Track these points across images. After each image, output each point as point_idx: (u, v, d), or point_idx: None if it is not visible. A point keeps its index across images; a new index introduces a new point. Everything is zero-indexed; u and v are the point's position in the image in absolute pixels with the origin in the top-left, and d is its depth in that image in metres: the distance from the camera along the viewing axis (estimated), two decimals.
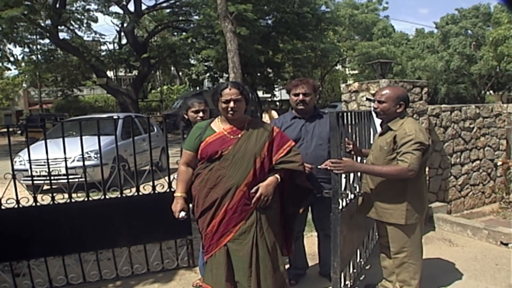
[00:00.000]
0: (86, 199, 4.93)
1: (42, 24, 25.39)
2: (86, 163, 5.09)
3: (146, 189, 5.12)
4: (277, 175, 3.68)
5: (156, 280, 5.05)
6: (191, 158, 3.76)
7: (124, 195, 5.08)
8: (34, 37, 28.01)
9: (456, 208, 7.55)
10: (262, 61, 25.35)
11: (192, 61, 30.71)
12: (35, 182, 4.95)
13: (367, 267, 5.06)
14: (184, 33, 27.55)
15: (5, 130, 5.20)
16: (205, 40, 25.39)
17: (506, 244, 5.70)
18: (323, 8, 30.83)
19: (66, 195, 4.87)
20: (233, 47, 14.33)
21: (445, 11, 76.26)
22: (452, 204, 7.46)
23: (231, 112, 3.61)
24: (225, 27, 14.48)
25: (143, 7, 27.86)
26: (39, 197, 4.80)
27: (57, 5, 24.32)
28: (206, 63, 28.63)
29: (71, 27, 28.02)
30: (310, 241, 5.64)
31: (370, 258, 5.19)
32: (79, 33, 28.49)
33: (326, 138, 4.28)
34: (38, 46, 29.90)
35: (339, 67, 45.66)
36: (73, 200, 4.86)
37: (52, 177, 5.05)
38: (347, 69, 48.33)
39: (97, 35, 30.35)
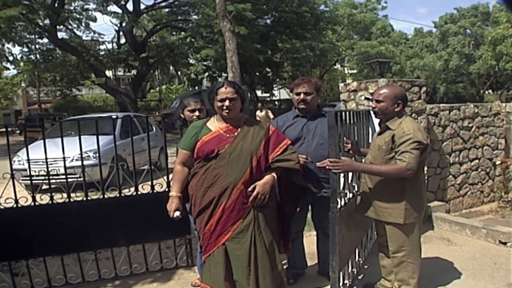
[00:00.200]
0: (84, 198, 4.93)
1: (41, 24, 25.38)
2: (85, 162, 5.08)
3: (145, 188, 5.11)
4: (273, 174, 3.69)
5: (155, 280, 5.05)
6: (187, 157, 3.77)
7: (122, 194, 5.08)
8: (33, 36, 27.96)
9: (455, 207, 7.56)
10: (262, 60, 25.36)
11: (191, 61, 30.72)
12: (33, 181, 4.95)
13: (365, 266, 5.06)
14: (183, 33, 27.55)
15: (3, 130, 5.20)
16: (204, 40, 25.41)
17: (505, 243, 5.70)
18: (322, 8, 30.82)
19: (65, 195, 4.88)
20: (231, 46, 14.33)
21: (443, 11, 76.41)
22: (450, 203, 7.47)
23: (226, 111, 3.62)
24: (223, 27, 14.48)
25: (142, 6, 27.90)
26: (37, 196, 4.80)
27: (56, 5, 24.32)
28: (204, 63, 28.65)
29: (70, 27, 28.04)
30: (309, 240, 5.64)
31: (368, 257, 5.19)
32: (78, 32, 28.57)
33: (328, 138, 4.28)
34: (37, 46, 29.87)
35: (338, 66, 45.65)
36: (71, 200, 4.86)
37: (50, 177, 5.05)
38: (346, 69, 48.31)
39: (96, 35, 30.37)
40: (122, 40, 30.65)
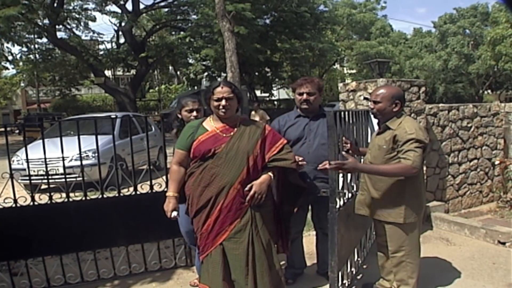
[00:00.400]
0: (83, 198, 4.93)
1: (40, 23, 25.37)
2: (84, 162, 5.08)
3: (144, 188, 5.12)
4: (270, 173, 3.70)
5: (154, 279, 5.05)
6: (183, 157, 3.76)
7: (121, 194, 5.08)
8: (32, 36, 27.98)
9: (454, 207, 7.56)
10: (261, 60, 25.36)
11: (190, 61, 30.73)
12: (32, 181, 4.94)
13: (364, 266, 5.06)
14: (182, 33, 27.55)
15: (3, 129, 5.19)
16: (203, 40, 25.41)
17: (504, 243, 5.70)
18: (321, 8, 30.82)
19: (64, 195, 4.87)
20: (231, 46, 14.34)
21: (442, 11, 76.43)
22: (449, 203, 7.47)
23: (223, 110, 3.62)
24: (223, 27, 14.49)
25: (141, 6, 27.88)
26: (36, 196, 4.79)
27: (55, 4, 24.31)
28: (204, 63, 28.66)
29: (69, 26, 28.04)
30: (308, 240, 5.64)
31: (367, 257, 5.19)
32: (77, 32, 28.60)
33: None
34: (36, 45, 29.88)
35: (337, 66, 45.68)
36: (70, 200, 4.86)
37: (49, 177, 5.05)
38: (345, 69, 48.34)
39: (95, 34, 30.38)
40: (121, 40, 30.65)
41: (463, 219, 6.61)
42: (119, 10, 27.74)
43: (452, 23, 39.32)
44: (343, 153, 3.95)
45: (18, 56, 30.43)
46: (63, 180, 4.93)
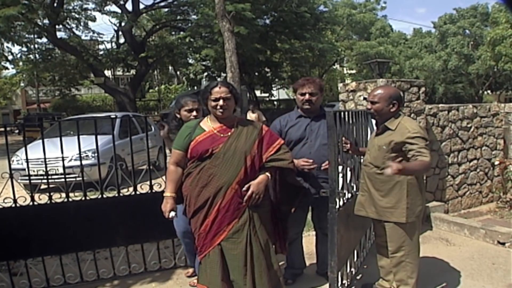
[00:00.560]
0: (83, 198, 4.93)
1: (40, 23, 25.32)
2: (84, 162, 5.07)
3: (143, 188, 5.12)
4: (267, 173, 3.71)
5: (154, 279, 5.06)
6: (180, 157, 3.77)
7: (121, 194, 5.08)
8: (32, 36, 27.95)
9: (453, 207, 7.57)
10: (261, 60, 25.35)
11: (190, 61, 30.69)
12: (32, 181, 4.94)
13: (364, 266, 5.06)
14: (182, 33, 27.48)
15: (2, 129, 5.20)
16: (203, 40, 25.37)
17: (503, 244, 5.71)
18: (321, 8, 30.79)
19: (64, 195, 4.87)
20: (231, 46, 14.33)
21: (442, 11, 76.42)
22: (449, 203, 7.47)
23: (220, 110, 3.63)
24: (223, 27, 14.48)
25: (141, 6, 27.82)
26: (36, 196, 4.80)
27: (55, 4, 24.28)
28: (204, 63, 28.62)
29: (69, 26, 28.01)
30: (308, 240, 5.64)
31: (367, 258, 5.20)
32: (77, 32, 28.54)
33: None
34: (36, 45, 29.84)
35: (337, 66, 45.65)
36: (70, 200, 4.86)
37: (49, 177, 5.05)
38: (345, 69, 48.33)
39: (95, 34, 30.33)
40: (121, 40, 30.60)
41: (462, 219, 6.61)
42: (119, 10, 27.72)
43: (452, 24, 39.30)
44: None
45: (18, 56, 30.45)
46: (63, 180, 4.93)
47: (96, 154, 5.64)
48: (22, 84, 47.58)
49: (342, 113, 4.19)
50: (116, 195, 5.06)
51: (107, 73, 34.28)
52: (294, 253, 4.78)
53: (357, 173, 4.61)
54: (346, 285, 4.34)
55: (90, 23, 28.56)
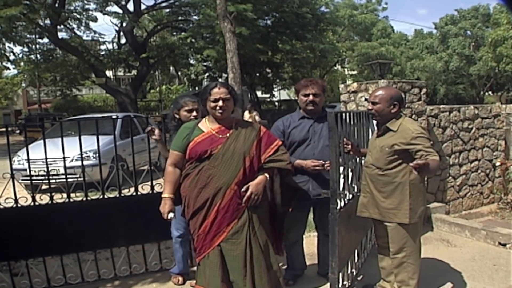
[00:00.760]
0: (84, 198, 4.94)
1: (41, 24, 25.35)
2: (85, 162, 5.07)
3: (144, 188, 5.12)
4: (266, 174, 3.72)
5: (155, 280, 5.06)
6: (178, 158, 3.78)
7: (122, 195, 5.08)
8: (33, 36, 27.95)
9: (455, 208, 7.56)
10: (262, 61, 25.34)
11: (191, 61, 30.69)
12: (33, 181, 4.95)
13: (365, 267, 5.06)
14: (183, 33, 27.47)
15: (4, 129, 5.20)
16: (205, 40, 25.36)
17: (504, 245, 5.70)
18: (322, 9, 30.77)
19: (65, 195, 4.88)
20: (232, 47, 14.34)
21: (443, 12, 76.44)
22: (450, 204, 7.47)
23: (220, 111, 3.64)
24: (224, 27, 14.49)
25: (143, 6, 27.82)
26: (37, 196, 4.80)
27: (56, 5, 24.29)
28: (205, 63, 28.61)
29: (70, 27, 28.03)
30: (309, 241, 5.64)
31: (368, 259, 5.19)
32: (78, 32, 28.53)
33: None
34: (37, 46, 29.85)
35: (338, 67, 45.66)
36: (71, 200, 4.86)
37: (50, 177, 5.05)
38: (346, 70, 48.35)
39: (96, 35, 30.32)
40: (123, 40, 30.60)
41: (463, 220, 6.61)
42: (120, 11, 27.74)
43: (453, 25, 39.27)
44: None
45: (19, 56, 30.46)
46: (64, 180, 4.93)
47: (97, 155, 5.63)
48: (23, 85, 47.62)
49: (343, 114, 4.19)
50: (117, 195, 5.07)
51: (109, 73, 34.27)
52: (295, 254, 4.79)
53: (358, 174, 4.61)
54: (347, 286, 4.34)
55: (92, 24, 28.49)
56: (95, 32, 30.51)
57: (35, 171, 8.20)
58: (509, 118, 8.11)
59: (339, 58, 37.81)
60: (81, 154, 5.09)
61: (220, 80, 27.49)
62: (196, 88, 30.91)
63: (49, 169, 5.00)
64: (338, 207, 3.91)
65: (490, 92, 46.41)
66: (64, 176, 4.97)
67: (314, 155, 4.34)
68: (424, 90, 6.80)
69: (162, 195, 3.79)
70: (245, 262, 3.54)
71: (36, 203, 4.76)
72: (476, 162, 7.90)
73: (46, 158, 4.88)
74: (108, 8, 28.28)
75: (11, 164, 4.88)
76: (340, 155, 4.03)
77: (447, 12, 46.88)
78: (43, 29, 25.28)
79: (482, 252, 5.64)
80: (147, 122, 5.66)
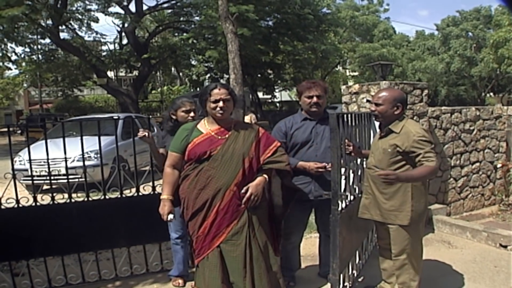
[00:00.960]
0: (86, 199, 4.94)
1: (43, 24, 25.37)
2: (86, 163, 5.08)
3: (146, 189, 5.13)
4: (265, 175, 3.73)
5: (156, 281, 5.06)
6: (177, 160, 3.77)
7: (124, 195, 5.09)
8: (35, 36, 28.00)
9: (456, 210, 7.55)
10: (263, 62, 25.34)
11: (193, 62, 30.72)
12: (35, 182, 4.95)
13: (366, 269, 5.05)
14: (185, 34, 27.50)
15: (5, 129, 5.21)
16: (206, 41, 25.37)
17: (505, 247, 5.70)
18: (324, 10, 30.76)
19: (66, 195, 4.88)
20: (234, 48, 14.33)
21: (445, 13, 76.39)
22: (451, 206, 7.46)
23: (220, 111, 3.64)
24: (226, 28, 14.48)
25: (144, 7, 27.83)
26: (39, 197, 4.80)
27: (58, 5, 24.30)
28: (206, 64, 28.64)
29: (72, 27, 28.04)
30: (310, 242, 5.64)
31: (369, 260, 5.19)
32: (80, 33, 28.55)
33: None
34: (39, 46, 29.89)
35: (339, 68, 45.69)
36: (73, 200, 4.86)
37: (52, 177, 5.05)
38: (347, 71, 48.38)
39: (98, 35, 30.32)
40: (124, 41, 30.59)
41: (465, 222, 6.61)
42: (122, 11, 27.73)
43: (455, 26, 39.25)
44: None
45: (21, 57, 30.48)
46: (65, 180, 4.94)
47: (98, 155, 5.63)
48: (25, 85, 47.66)
49: (345, 116, 4.19)
50: (119, 196, 5.07)
51: (110, 74, 34.31)
52: (293, 255, 4.79)
53: (360, 176, 4.61)
54: (347, 287, 4.33)
55: (93, 24, 28.45)
56: (96, 32, 30.51)
57: (36, 172, 8.21)
58: (511, 120, 8.10)
59: (341, 59, 37.87)
60: (83, 155, 5.10)
61: (221, 81, 27.54)
62: (198, 89, 30.96)
63: (50, 169, 5.00)
64: (340, 208, 3.91)
65: (491, 94, 46.43)
66: (65, 177, 4.97)
67: (316, 157, 4.34)
68: (426, 91, 6.79)
69: (161, 197, 3.79)
70: (245, 263, 3.54)
71: (38, 204, 4.76)
72: (478, 164, 7.90)
73: (48, 159, 4.88)
74: (110, 9, 28.33)
75: (12, 164, 4.88)
76: (341, 156, 4.03)
77: (449, 14, 46.98)
78: (45, 29, 25.31)
79: (483, 253, 5.64)
80: (149, 122, 5.66)
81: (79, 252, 4.95)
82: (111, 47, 33.19)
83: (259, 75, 29.80)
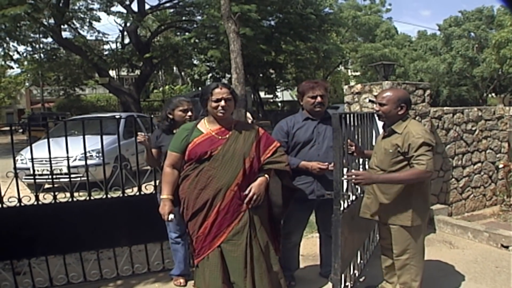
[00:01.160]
0: (87, 198, 4.94)
1: (45, 23, 25.37)
2: (88, 162, 5.08)
3: (148, 188, 5.13)
4: (266, 175, 3.74)
5: (157, 280, 5.06)
6: (176, 159, 3.76)
7: (125, 194, 5.09)
8: (37, 35, 28.01)
9: (457, 210, 7.55)
10: (269, 60, 25.34)
11: (194, 61, 30.75)
12: (37, 181, 4.96)
13: (367, 269, 5.05)
14: (187, 33, 27.49)
15: (6, 128, 5.20)
16: (208, 41, 25.37)
17: (507, 247, 5.70)
18: (326, 10, 30.75)
19: (68, 194, 4.88)
20: (236, 47, 14.31)
21: (447, 13, 76.16)
22: (453, 206, 7.46)
23: (222, 111, 3.64)
24: (228, 28, 14.46)
25: (147, 6, 27.83)
26: (40, 196, 4.81)
27: (60, 4, 24.32)
28: (208, 64, 28.64)
29: (74, 26, 28.04)
30: (310, 242, 5.64)
31: (370, 260, 5.19)
32: (82, 32, 28.55)
33: None
34: (41, 45, 29.90)
35: (341, 68, 45.67)
36: (74, 199, 4.87)
37: (53, 176, 5.05)
38: (349, 71, 48.36)
39: (100, 35, 30.37)
40: (126, 40, 30.61)
41: (466, 222, 6.60)
42: (124, 11, 27.70)
43: (457, 26, 39.17)
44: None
45: (23, 56, 30.48)
46: (67, 179, 4.94)
47: (100, 154, 5.63)
48: (26, 84, 47.69)
49: (347, 116, 4.19)
50: (121, 195, 5.08)
51: (112, 73, 34.32)
52: (292, 255, 4.79)
53: None
54: (349, 287, 4.33)
55: (96, 23, 28.58)
56: (98, 31, 30.54)
57: (38, 170, 8.20)
58: None
59: (343, 59, 37.79)
60: (85, 154, 5.09)
61: (223, 80, 27.56)
62: (199, 89, 30.97)
63: (52, 168, 5.01)
64: (342, 208, 3.90)
65: (493, 94, 46.34)
66: (67, 176, 4.97)
67: (318, 156, 4.34)
68: (428, 91, 6.79)
69: (161, 197, 3.78)
70: (246, 263, 3.54)
71: (39, 203, 4.77)
72: (479, 164, 7.89)
73: (50, 158, 4.89)
74: (112, 8, 28.33)
75: (15, 163, 4.88)
76: (344, 155, 4.03)
77: (451, 14, 46.91)
78: (47, 28, 25.29)
79: (485, 254, 5.63)
80: (151, 122, 5.67)
81: (81, 251, 4.95)
82: (113, 46, 33.28)
83: (261, 75, 29.82)
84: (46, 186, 5.41)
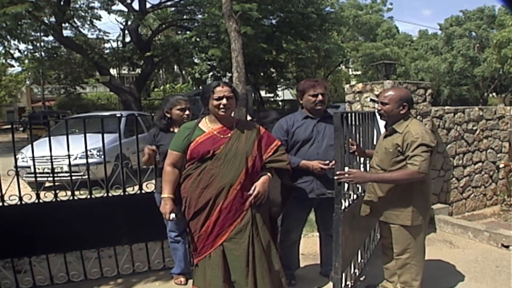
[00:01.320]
0: (88, 196, 4.94)
1: (46, 21, 25.36)
2: (89, 160, 5.08)
3: (148, 187, 5.13)
4: (269, 174, 3.75)
5: (158, 278, 5.07)
6: (178, 158, 3.76)
7: (126, 193, 5.09)
8: (38, 34, 28.02)
9: (458, 210, 7.55)
10: (270, 59, 25.32)
11: (195, 60, 30.70)
12: (37, 179, 4.96)
13: (368, 268, 5.06)
14: (188, 32, 27.43)
15: (7, 126, 5.20)
16: (209, 39, 25.34)
17: (507, 247, 5.70)
18: (327, 9, 30.70)
19: (69, 193, 4.89)
20: (237, 46, 14.30)
21: (448, 13, 76.17)
22: (453, 206, 7.46)
23: (223, 109, 3.64)
24: (229, 26, 14.45)
25: (148, 5, 27.79)
26: (41, 194, 4.81)
27: (62, 2, 24.31)
28: (209, 62, 28.60)
29: (75, 25, 28.02)
30: (311, 241, 5.64)
31: (371, 259, 5.19)
32: (83, 30, 28.52)
33: None
34: (42, 43, 29.88)
35: (342, 67, 45.61)
36: (75, 198, 4.87)
37: (54, 174, 5.05)
38: (350, 70, 48.29)
39: (101, 33, 30.34)
40: (127, 39, 30.55)
41: (466, 222, 6.61)
42: (125, 9, 27.67)
43: (458, 26, 39.09)
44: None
45: (24, 54, 30.46)
46: (68, 178, 4.95)
47: (101, 153, 5.63)
48: (27, 82, 47.71)
49: (349, 115, 4.19)
50: (121, 193, 5.08)
51: (113, 71, 34.24)
52: (292, 253, 4.79)
53: None
54: (349, 286, 4.34)
55: (97, 22, 28.49)
56: (99, 30, 30.41)
57: (38, 169, 8.19)
58: None
59: (344, 58, 37.73)
60: (86, 152, 5.10)
61: (224, 79, 27.54)
62: (200, 87, 30.94)
63: (53, 166, 5.01)
64: (343, 207, 3.90)
65: (494, 94, 46.30)
66: (68, 174, 4.98)
67: (318, 155, 4.34)
68: (429, 91, 6.79)
69: (162, 196, 3.78)
70: (248, 261, 3.54)
71: (40, 201, 4.77)
72: (480, 164, 7.90)
73: (51, 156, 4.89)
74: (113, 7, 28.29)
75: (16, 161, 4.89)
76: (345, 153, 4.03)
77: (452, 13, 46.78)
78: (48, 26, 25.28)
79: (485, 253, 5.64)
80: (152, 120, 5.66)
81: (81, 249, 4.96)
82: (114, 44, 33.22)
83: (262, 74, 29.76)
84: (47, 184, 5.40)
